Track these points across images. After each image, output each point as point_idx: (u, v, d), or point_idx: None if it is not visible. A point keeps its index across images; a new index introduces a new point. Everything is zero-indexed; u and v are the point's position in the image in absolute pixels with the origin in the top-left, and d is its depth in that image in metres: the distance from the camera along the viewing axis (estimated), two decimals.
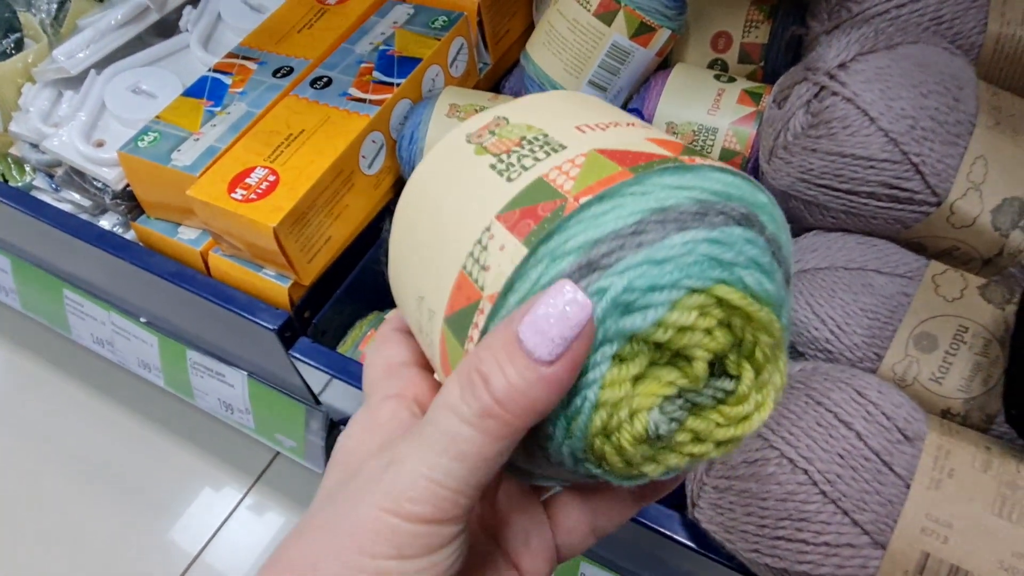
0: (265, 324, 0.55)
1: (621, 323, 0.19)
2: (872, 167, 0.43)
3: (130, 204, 0.61)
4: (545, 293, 0.18)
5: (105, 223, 0.65)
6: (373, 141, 0.58)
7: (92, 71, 0.63)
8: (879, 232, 0.46)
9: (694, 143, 0.56)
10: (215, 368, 0.69)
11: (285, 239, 0.52)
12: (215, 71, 0.62)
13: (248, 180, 0.53)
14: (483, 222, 0.20)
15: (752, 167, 0.55)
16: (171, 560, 0.73)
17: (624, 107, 0.60)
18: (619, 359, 0.19)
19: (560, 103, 0.23)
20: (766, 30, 0.58)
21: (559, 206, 0.19)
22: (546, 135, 0.21)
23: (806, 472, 0.36)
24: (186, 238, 0.59)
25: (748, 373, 0.20)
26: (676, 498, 0.45)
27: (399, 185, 0.62)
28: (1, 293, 0.82)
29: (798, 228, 0.50)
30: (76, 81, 0.65)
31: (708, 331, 0.19)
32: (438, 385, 0.24)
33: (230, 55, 0.63)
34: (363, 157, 0.57)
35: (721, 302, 0.19)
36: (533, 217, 0.19)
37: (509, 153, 0.21)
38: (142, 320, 0.71)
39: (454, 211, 0.21)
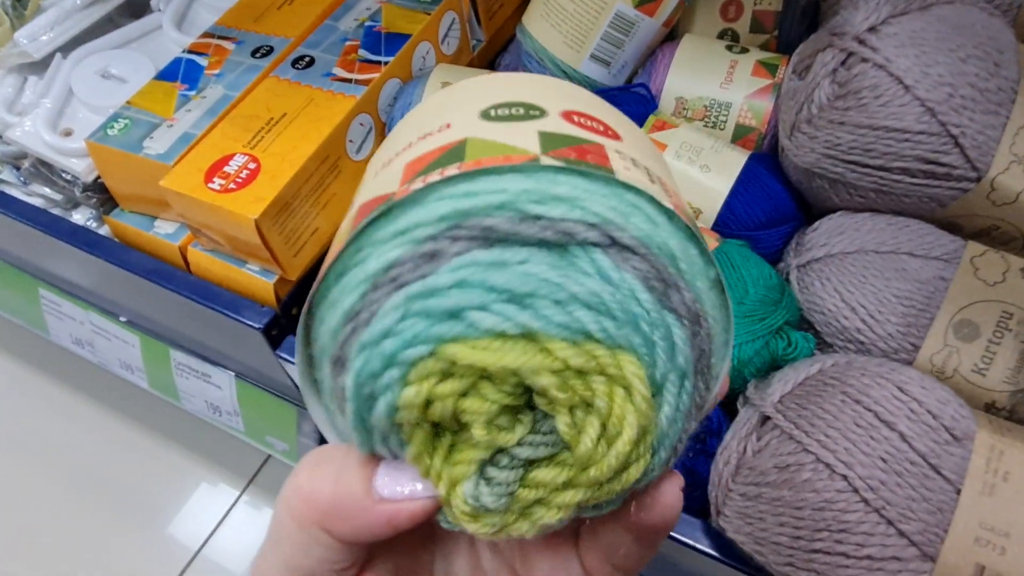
0: (250, 323, 0.51)
1: (372, 416, 0.17)
2: (907, 140, 0.39)
3: (102, 197, 0.57)
4: (407, 470, 0.18)
5: (78, 217, 0.61)
6: (361, 124, 0.54)
7: (58, 55, 0.58)
8: (911, 212, 0.43)
9: (706, 119, 0.52)
10: (201, 369, 0.65)
11: (268, 231, 0.48)
12: (189, 52, 0.58)
13: (226, 168, 0.49)
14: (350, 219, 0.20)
15: (770, 143, 0.51)
16: (166, 564, 0.70)
17: (629, 82, 0.56)
18: (410, 436, 0.17)
19: (536, 83, 0.21)
20: None
21: (353, 229, 0.18)
22: (444, 117, 0.20)
23: (845, 478, 0.33)
24: (163, 232, 0.55)
25: (561, 415, 0.17)
26: (697, 503, 0.42)
27: None
28: None
29: (821, 209, 0.47)
30: (41, 66, 0.60)
31: (464, 394, 0.17)
32: None
33: (206, 35, 0.59)
34: (350, 141, 0.53)
35: (452, 362, 0.16)
36: (336, 248, 0.19)
37: (427, 133, 0.20)
38: (122, 319, 0.67)
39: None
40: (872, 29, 0.40)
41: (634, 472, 0.17)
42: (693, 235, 0.18)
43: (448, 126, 0.19)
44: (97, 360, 0.73)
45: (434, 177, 0.17)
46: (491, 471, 0.17)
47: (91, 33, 0.61)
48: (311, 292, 0.19)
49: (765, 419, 0.37)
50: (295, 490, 0.18)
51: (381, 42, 0.57)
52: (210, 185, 0.48)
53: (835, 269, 0.42)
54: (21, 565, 0.71)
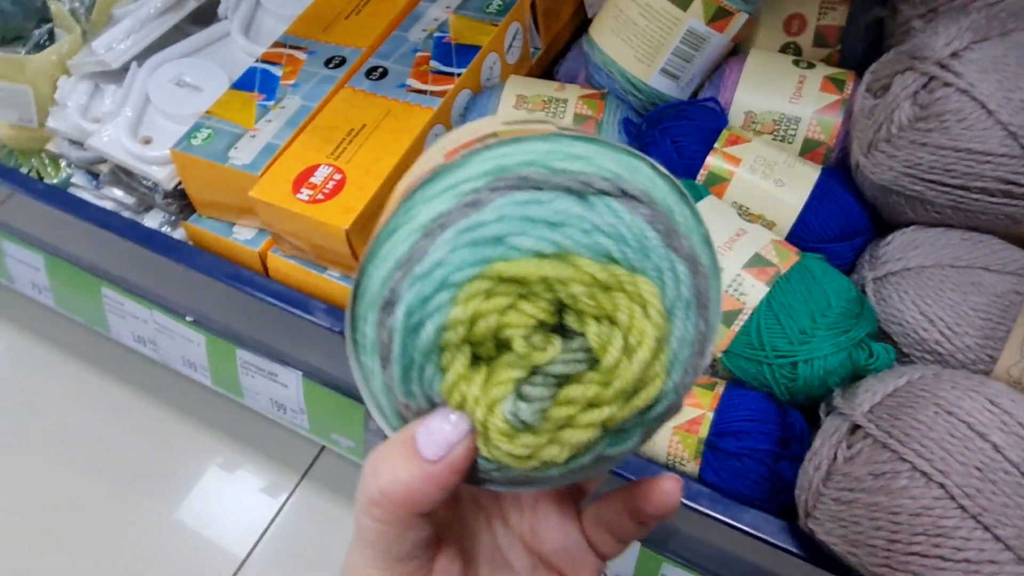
0: (332, 328, 0.53)
1: (416, 344, 0.20)
2: (988, 162, 0.41)
3: (181, 203, 0.58)
4: (436, 413, 0.21)
5: (150, 221, 0.62)
6: (436, 134, 0.55)
7: (134, 64, 0.60)
8: (985, 228, 0.45)
9: (775, 133, 0.54)
10: (267, 368, 0.67)
11: (356, 241, 0.50)
12: (263, 62, 0.59)
13: (313, 179, 0.51)
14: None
15: (838, 157, 0.53)
16: (221, 560, 0.72)
17: (695, 95, 0.58)
18: (444, 368, 0.20)
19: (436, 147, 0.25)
20: (844, 12, 0.56)
21: (405, 196, 0.21)
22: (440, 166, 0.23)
23: (942, 486, 0.35)
24: (242, 238, 0.57)
25: (590, 326, 0.20)
26: (782, 506, 0.44)
27: None
28: (34, 291, 0.79)
29: (894, 223, 0.48)
30: (113, 73, 0.62)
31: (507, 309, 0.19)
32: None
33: (277, 44, 0.60)
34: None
35: (503, 278, 0.19)
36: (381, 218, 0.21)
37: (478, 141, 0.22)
38: (188, 319, 0.68)
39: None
40: (954, 55, 0.41)
41: (652, 390, 0.20)
42: (685, 197, 0.21)
43: (475, 132, 0.22)
44: (159, 358, 0.74)
45: (476, 147, 0.20)
46: (526, 389, 0.20)
47: (162, 40, 0.62)
48: (363, 254, 0.21)
49: (855, 428, 0.39)
50: (375, 500, 0.21)
51: (452, 53, 0.58)
52: (298, 195, 0.50)
53: (912, 282, 0.44)
54: (79, 556, 0.72)
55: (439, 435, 0.20)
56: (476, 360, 0.20)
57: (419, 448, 0.20)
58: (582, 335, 0.20)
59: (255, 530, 0.74)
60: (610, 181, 0.20)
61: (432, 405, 0.21)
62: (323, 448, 0.78)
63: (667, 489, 0.24)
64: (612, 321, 0.19)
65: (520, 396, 0.20)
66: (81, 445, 0.79)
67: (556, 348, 0.20)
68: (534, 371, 0.20)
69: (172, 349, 0.72)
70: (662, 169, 0.21)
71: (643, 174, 0.20)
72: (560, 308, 0.20)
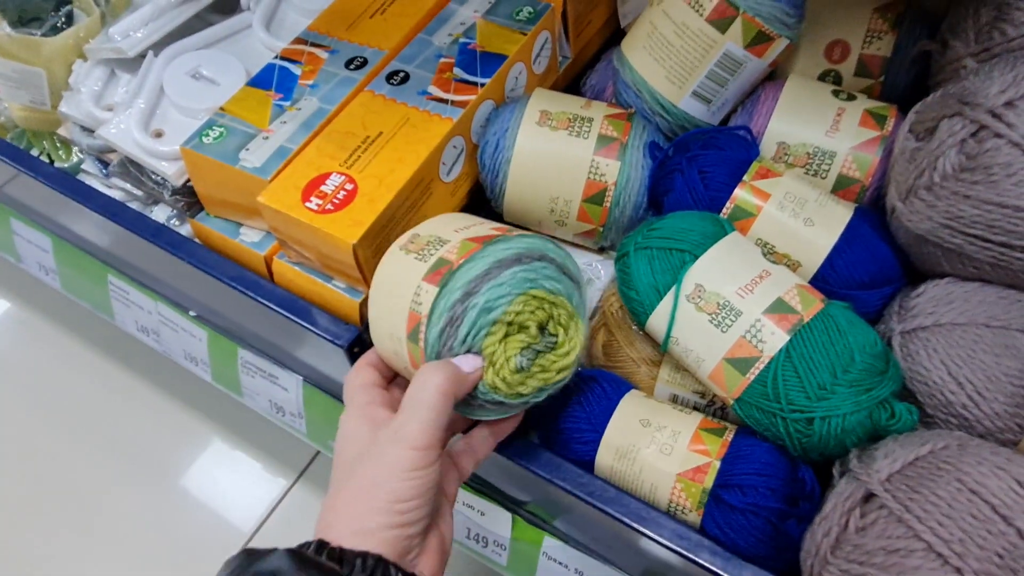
0: (334, 340, 0.52)
1: (486, 317, 0.38)
2: None
3: (189, 200, 0.57)
4: (468, 355, 0.39)
5: (159, 214, 0.61)
6: (454, 147, 0.53)
7: (150, 53, 0.58)
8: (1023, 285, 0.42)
9: (808, 167, 0.51)
10: (268, 369, 0.65)
11: (364, 255, 0.48)
12: (282, 59, 0.57)
13: (324, 188, 0.49)
14: (415, 282, 0.40)
15: (872, 196, 0.50)
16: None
17: (726, 120, 0.55)
18: (491, 334, 0.38)
19: (447, 220, 0.45)
20: (890, 42, 0.53)
21: (449, 268, 0.39)
22: (439, 238, 0.42)
23: (959, 571, 0.33)
24: (249, 240, 0.55)
25: (560, 330, 0.40)
26: (787, 564, 0.42)
27: (476, 192, 0.58)
28: (41, 272, 0.78)
29: (927, 273, 0.46)
30: (129, 61, 0.60)
31: (532, 312, 0.39)
32: (394, 395, 0.43)
33: (298, 40, 0.58)
34: (443, 164, 0.53)
35: (534, 297, 0.39)
36: (439, 275, 0.40)
37: (421, 249, 0.42)
38: (192, 313, 0.67)
39: (400, 282, 0.41)
40: (1009, 104, 0.39)
41: (570, 367, 0.41)
42: (571, 265, 0.42)
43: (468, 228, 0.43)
44: (162, 349, 0.73)
45: (515, 232, 0.41)
46: (525, 352, 0.39)
47: (181, 29, 0.61)
48: (439, 284, 0.39)
49: (870, 495, 0.37)
50: (439, 384, 0.37)
51: (477, 62, 0.56)
52: (307, 204, 0.48)
53: (943, 340, 0.42)
54: (88, 536, 0.72)
55: (471, 360, 0.38)
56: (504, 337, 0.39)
57: (462, 367, 0.38)
58: (554, 335, 0.40)
59: (252, 522, 0.74)
60: (550, 257, 0.41)
61: (467, 352, 0.39)
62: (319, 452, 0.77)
63: (515, 420, 0.44)
64: (566, 330, 0.40)
65: (522, 355, 0.39)
66: (84, 424, 0.79)
67: (540, 337, 0.40)
68: (527, 346, 0.39)
69: (174, 342, 0.71)
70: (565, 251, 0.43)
71: (559, 251, 0.42)
72: (549, 317, 0.40)
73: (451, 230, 0.42)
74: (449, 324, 0.38)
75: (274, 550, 0.33)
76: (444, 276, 0.39)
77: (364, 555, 0.33)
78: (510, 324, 0.38)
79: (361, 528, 0.34)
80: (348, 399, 0.42)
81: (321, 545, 0.33)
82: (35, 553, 0.72)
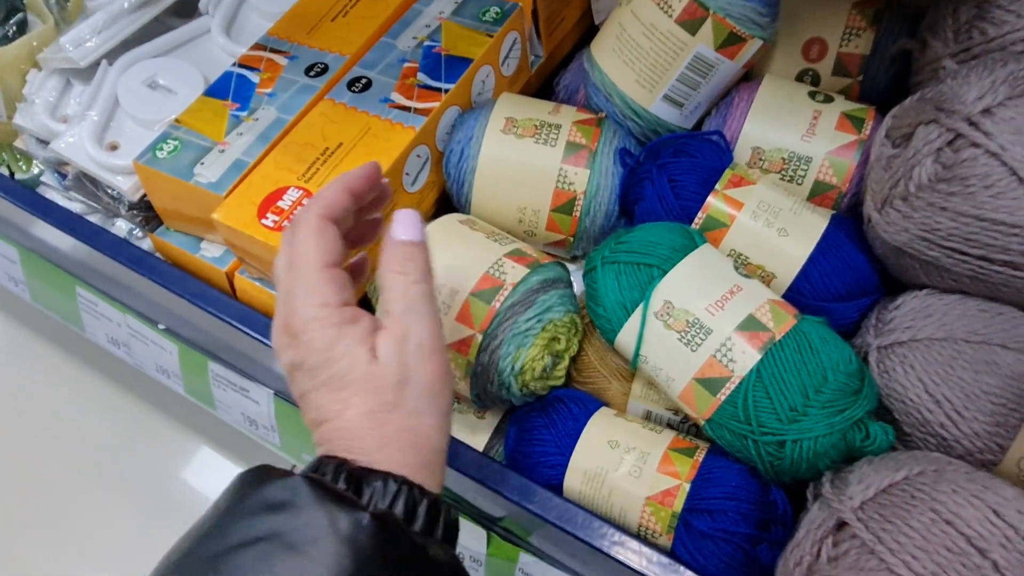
0: None
1: (523, 338, 0.45)
2: (1016, 235, 0.36)
3: (147, 215, 0.55)
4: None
5: (121, 226, 0.59)
6: (418, 156, 0.52)
7: (104, 62, 0.56)
8: (1006, 299, 0.40)
9: (783, 172, 0.49)
10: (239, 383, 0.64)
11: None
12: (240, 66, 0.55)
13: (280, 203, 0.47)
14: (496, 256, 0.47)
15: (849, 202, 0.49)
16: None
17: (700, 123, 0.53)
18: (528, 347, 0.45)
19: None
20: (869, 39, 0.51)
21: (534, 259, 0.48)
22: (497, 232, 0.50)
23: None
24: (210, 256, 0.54)
25: (572, 343, 0.47)
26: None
27: (443, 201, 0.56)
28: (10, 283, 0.77)
29: (905, 284, 0.44)
30: (84, 70, 0.58)
31: (568, 331, 0.47)
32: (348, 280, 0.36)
33: (257, 47, 0.56)
34: (407, 174, 0.51)
35: (572, 320, 0.47)
36: (524, 260, 0.47)
37: (489, 235, 0.49)
38: (161, 327, 0.66)
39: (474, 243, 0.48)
40: (986, 111, 0.37)
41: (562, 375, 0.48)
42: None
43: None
44: (133, 361, 0.72)
45: (544, 260, 0.49)
46: (548, 358, 0.46)
47: (138, 35, 0.59)
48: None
49: (842, 523, 0.36)
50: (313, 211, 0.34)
51: (441, 66, 0.54)
52: (263, 221, 0.47)
53: (920, 356, 0.40)
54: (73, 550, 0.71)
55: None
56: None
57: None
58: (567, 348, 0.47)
59: None
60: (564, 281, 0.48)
61: None
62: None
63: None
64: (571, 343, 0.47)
65: (543, 362, 0.45)
66: (67, 437, 0.78)
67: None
68: (553, 354, 0.46)
69: (145, 355, 0.69)
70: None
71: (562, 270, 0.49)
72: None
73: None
74: (521, 303, 0.45)
75: (292, 473, 0.30)
76: (528, 265, 0.46)
77: (386, 476, 0.30)
78: (552, 338, 0.45)
79: None
80: (299, 260, 0.34)
81: (340, 467, 0.30)
82: (18, 566, 0.71)
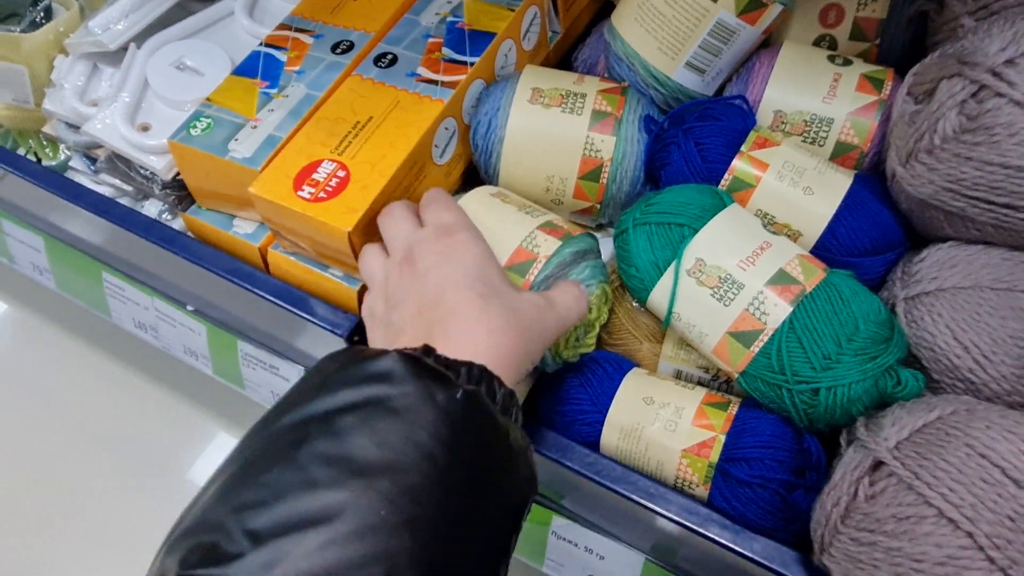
0: (333, 330, 0.51)
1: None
2: None
3: (180, 193, 0.56)
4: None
5: (150, 209, 0.60)
6: (446, 128, 0.53)
7: (132, 45, 0.57)
8: None
9: (805, 134, 0.50)
10: (269, 361, 0.65)
11: (359, 242, 0.47)
12: (267, 45, 0.56)
13: (315, 176, 0.48)
14: (529, 229, 0.48)
15: (871, 162, 0.50)
16: None
17: (721, 89, 0.54)
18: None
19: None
20: (885, 3, 0.52)
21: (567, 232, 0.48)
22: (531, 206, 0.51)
23: (970, 535, 0.33)
24: (242, 232, 0.55)
25: (603, 310, 0.48)
26: (795, 536, 0.42)
27: (470, 173, 0.57)
28: (35, 272, 0.78)
29: (930, 237, 0.45)
30: (112, 54, 0.59)
31: (600, 301, 0.47)
32: None
33: (282, 27, 0.57)
34: (436, 146, 0.52)
35: (603, 291, 0.48)
36: (556, 233, 0.48)
37: (520, 207, 0.50)
38: (189, 308, 0.67)
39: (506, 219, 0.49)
40: (1010, 62, 0.38)
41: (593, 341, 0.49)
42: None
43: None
44: (160, 344, 0.73)
45: (577, 231, 0.49)
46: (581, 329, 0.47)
47: (162, 19, 0.60)
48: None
49: (879, 463, 0.37)
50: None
51: (465, 40, 0.55)
52: (300, 193, 0.48)
53: (947, 304, 0.41)
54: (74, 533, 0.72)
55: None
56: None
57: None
58: (598, 317, 0.47)
59: None
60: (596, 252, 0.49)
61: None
62: None
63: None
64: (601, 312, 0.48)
65: (578, 330, 0.47)
66: (87, 424, 0.79)
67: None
68: (585, 324, 0.47)
69: (173, 337, 0.70)
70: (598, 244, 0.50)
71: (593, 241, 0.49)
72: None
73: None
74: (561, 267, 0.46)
75: (385, 352, 0.32)
76: (562, 238, 0.47)
77: (470, 365, 0.33)
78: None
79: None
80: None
81: (428, 350, 0.33)
82: (38, 553, 0.72)
